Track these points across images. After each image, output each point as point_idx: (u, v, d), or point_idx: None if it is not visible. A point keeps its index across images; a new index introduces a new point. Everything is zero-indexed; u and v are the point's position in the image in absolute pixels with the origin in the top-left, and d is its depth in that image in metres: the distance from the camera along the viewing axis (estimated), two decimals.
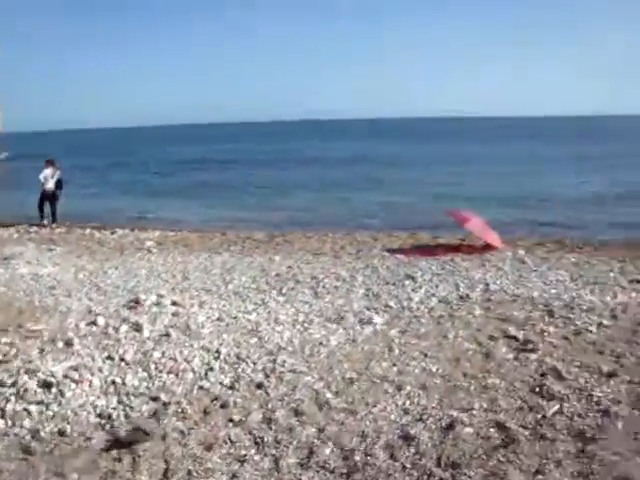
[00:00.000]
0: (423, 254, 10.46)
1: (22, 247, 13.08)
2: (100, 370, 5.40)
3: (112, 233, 15.24)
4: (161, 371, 5.40)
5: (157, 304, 7.63)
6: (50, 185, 16.52)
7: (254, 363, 5.47)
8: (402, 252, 10.75)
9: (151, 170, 38.84)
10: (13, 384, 5.13)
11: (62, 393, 4.96)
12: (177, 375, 5.31)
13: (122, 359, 5.67)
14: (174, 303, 7.64)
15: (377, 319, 6.52)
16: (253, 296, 7.89)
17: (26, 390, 5.01)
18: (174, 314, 7.15)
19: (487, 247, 10.81)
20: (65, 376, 5.30)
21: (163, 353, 5.81)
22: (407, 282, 8.17)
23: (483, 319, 6.41)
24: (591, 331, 6.01)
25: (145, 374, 5.33)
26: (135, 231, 15.52)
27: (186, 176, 33.07)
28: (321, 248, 11.55)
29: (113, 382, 5.16)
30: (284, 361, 5.46)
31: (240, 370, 5.35)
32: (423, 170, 31.64)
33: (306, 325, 6.49)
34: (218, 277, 9.16)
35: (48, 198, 16.64)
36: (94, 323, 6.85)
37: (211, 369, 5.39)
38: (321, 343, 5.88)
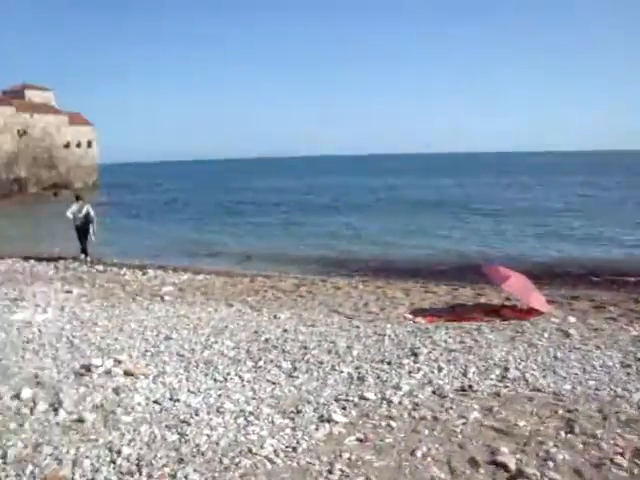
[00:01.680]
0: (452, 317, 8.97)
1: (45, 287, 12.75)
2: None
3: (143, 274, 14.78)
4: (34, 477, 4.36)
5: (107, 372, 6.67)
6: (78, 221, 16.60)
7: (149, 476, 4.31)
8: (427, 314, 9.29)
9: (224, 204, 39.34)
10: None
11: None
12: None
13: (2, 457, 4.67)
14: (126, 373, 6.65)
15: (339, 417, 5.17)
16: (221, 369, 6.75)
17: None
18: (114, 389, 6.13)
19: (533, 310, 9.14)
20: None
21: (55, 449, 4.76)
22: (407, 361, 6.73)
23: (475, 428, 4.89)
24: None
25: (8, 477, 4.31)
26: (169, 272, 15.01)
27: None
28: (342, 304, 10.31)
29: None
30: (186, 476, 4.27)
31: None
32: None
33: (251, 419, 5.25)
34: (203, 338, 8.14)
35: (80, 233, 16.71)
36: (17, 397, 5.95)
37: None
38: (250, 450, 4.63)
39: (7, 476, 4.41)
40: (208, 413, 5.41)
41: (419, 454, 4.48)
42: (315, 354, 7.15)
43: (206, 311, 10.03)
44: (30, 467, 4.50)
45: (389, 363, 6.69)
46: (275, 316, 9.38)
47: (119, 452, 4.67)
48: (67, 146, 64.41)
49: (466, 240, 20.93)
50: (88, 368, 6.80)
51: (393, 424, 5.00)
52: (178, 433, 4.99)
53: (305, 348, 7.43)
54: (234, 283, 12.94)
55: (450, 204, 36.23)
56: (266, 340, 7.89)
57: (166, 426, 5.14)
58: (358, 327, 8.48)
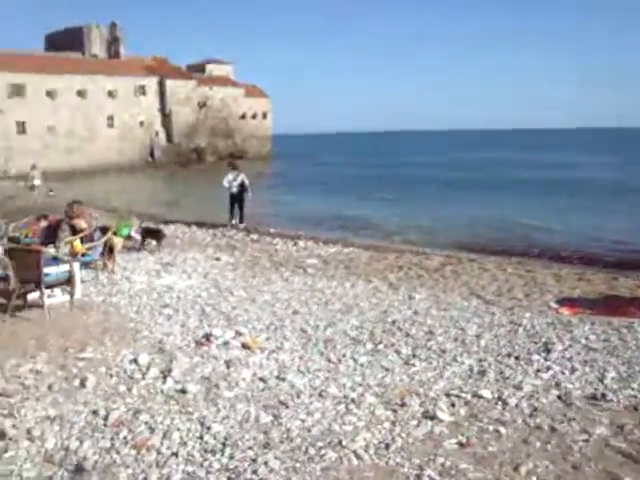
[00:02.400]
0: (602, 311, 7.94)
1: (198, 253, 13.34)
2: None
3: (294, 244, 14.96)
4: (125, 443, 4.44)
5: (225, 344, 6.73)
6: (234, 189, 17.34)
7: (231, 457, 4.19)
8: (574, 305, 8.32)
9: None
10: None
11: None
12: (138, 452, 4.30)
13: (104, 418, 4.83)
14: (243, 345, 6.67)
15: (444, 415, 4.71)
16: (339, 349, 6.53)
17: None
18: (226, 362, 6.15)
19: None
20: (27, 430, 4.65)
21: (151, 417, 4.83)
22: (536, 357, 6.02)
23: (598, 448, 4.16)
24: None
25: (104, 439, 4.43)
26: (319, 244, 15.05)
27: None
28: (485, 287, 9.63)
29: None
30: (265, 463, 4.09)
31: (208, 463, 4.13)
32: None
33: (351, 407, 4.96)
34: (330, 314, 7.98)
35: (235, 201, 17.46)
36: (135, 361, 6.18)
37: (175, 455, 4.25)
38: (340, 442, 4.35)
39: (103, 437, 4.53)
40: (310, 396, 5.21)
41: (523, 471, 3.92)
42: (439, 341, 6.68)
43: (343, 286, 9.86)
44: (124, 432, 4.60)
45: (517, 358, 6.04)
46: (410, 296, 8.97)
47: (209, 428, 4.62)
48: (243, 117, 67.62)
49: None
50: (208, 338, 6.91)
51: (502, 430, 4.45)
52: (273, 415, 4.85)
53: (431, 333, 6.97)
54: (379, 258, 12.65)
55: (611, 187, 32.42)
56: (393, 322, 7.54)
57: (263, 406, 5.03)
58: (494, 314, 7.81)
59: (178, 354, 6.43)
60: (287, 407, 4.99)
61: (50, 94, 55.49)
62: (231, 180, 17.71)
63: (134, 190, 39.05)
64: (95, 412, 4.95)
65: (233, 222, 17.85)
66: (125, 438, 4.51)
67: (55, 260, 8.78)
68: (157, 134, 62.74)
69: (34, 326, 7.68)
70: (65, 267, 8.50)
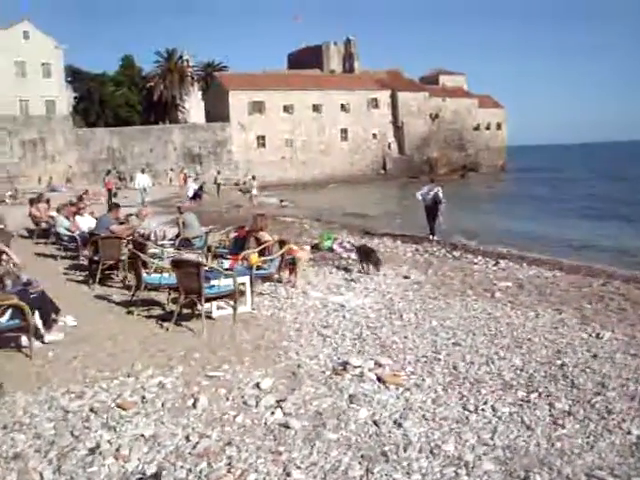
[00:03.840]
0: None
1: (391, 269, 12.97)
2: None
3: (495, 264, 13.93)
4: (199, 478, 4.19)
5: (360, 375, 6.24)
6: (427, 202, 17.45)
7: None
8: None
9: None
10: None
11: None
12: None
13: (193, 447, 4.64)
14: (379, 379, 6.12)
15: None
16: (483, 394, 5.68)
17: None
18: (351, 396, 5.66)
19: None
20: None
21: (238, 452, 4.52)
22: None
23: None
24: None
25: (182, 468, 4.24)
26: (523, 265, 13.83)
27: None
28: None
29: None
30: None
31: None
32: None
33: (461, 472, 4.19)
34: (494, 350, 7.07)
35: (429, 213, 17.53)
36: (257, 386, 5.97)
37: None
38: None
39: (182, 467, 4.35)
40: (419, 451, 4.53)
41: None
42: (609, 397, 5.47)
43: (525, 315, 8.79)
44: (203, 464, 4.36)
45: None
46: (598, 334, 7.62)
47: (289, 474, 4.20)
48: (476, 128, 66.23)
49: None
50: (345, 367, 6.48)
51: None
52: (366, 469, 4.26)
53: (602, 386, 5.76)
54: (582, 285, 11.15)
55: None
56: (561, 365, 6.41)
57: (362, 456, 4.46)
58: None
59: (307, 381, 6.10)
60: (387, 461, 4.36)
61: (287, 109, 59.33)
62: (425, 193, 17.93)
63: (358, 201, 40.09)
64: (188, 437, 4.80)
65: (431, 237, 17.68)
66: (201, 472, 4.27)
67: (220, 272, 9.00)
68: (389, 146, 63.98)
69: (191, 337, 7.89)
70: (228, 281, 8.64)
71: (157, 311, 9.31)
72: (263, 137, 59.40)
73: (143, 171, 35.75)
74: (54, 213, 16.02)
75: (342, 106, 61.66)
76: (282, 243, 10.87)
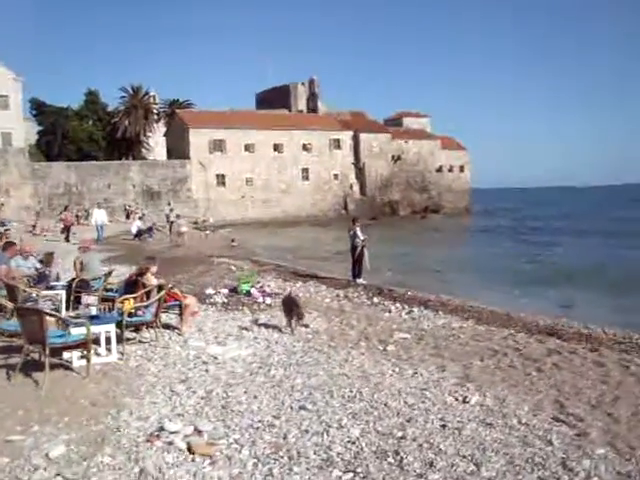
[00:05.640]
0: None
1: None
2: None
3: (408, 312, 13.42)
4: None
5: (170, 443, 5.59)
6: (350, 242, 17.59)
7: None
8: None
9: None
10: None
11: None
12: None
13: None
14: (189, 449, 5.49)
15: None
16: (298, 472, 5.07)
17: None
18: (141, 470, 5.02)
19: None
20: None
21: None
22: None
23: None
24: None
25: None
26: (439, 313, 13.36)
27: None
28: (583, 395, 7.31)
29: None
30: None
31: None
32: None
33: None
34: (335, 420, 6.44)
35: (352, 255, 17.45)
36: (47, 455, 5.29)
37: None
38: None
39: None
40: None
41: None
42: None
43: (401, 374, 8.23)
44: None
45: None
46: (465, 399, 7.05)
47: None
48: (439, 170, 66.63)
49: None
50: (159, 432, 5.83)
51: None
52: None
53: (430, 466, 5.16)
54: (485, 337, 10.68)
55: None
56: (400, 438, 5.81)
57: None
58: (579, 451, 5.58)
59: (107, 449, 5.46)
60: None
61: (248, 148, 59.19)
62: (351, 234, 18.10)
63: (312, 242, 39.62)
64: None
65: (356, 281, 17.32)
66: None
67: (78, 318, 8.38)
68: (351, 187, 63.95)
69: (30, 391, 7.29)
70: (81, 329, 7.99)
71: (15, 359, 8.59)
72: (223, 175, 58.99)
73: (99, 206, 35.21)
74: None
75: (304, 146, 61.68)
76: (160, 288, 10.23)
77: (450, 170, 67.47)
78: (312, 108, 67.77)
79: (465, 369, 8.55)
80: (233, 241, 37.27)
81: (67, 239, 31.25)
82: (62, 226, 33.63)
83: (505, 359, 9.13)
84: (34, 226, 38.77)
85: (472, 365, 8.79)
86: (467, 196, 69.71)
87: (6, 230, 19.60)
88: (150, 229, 35.30)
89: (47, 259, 16.78)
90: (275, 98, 72.80)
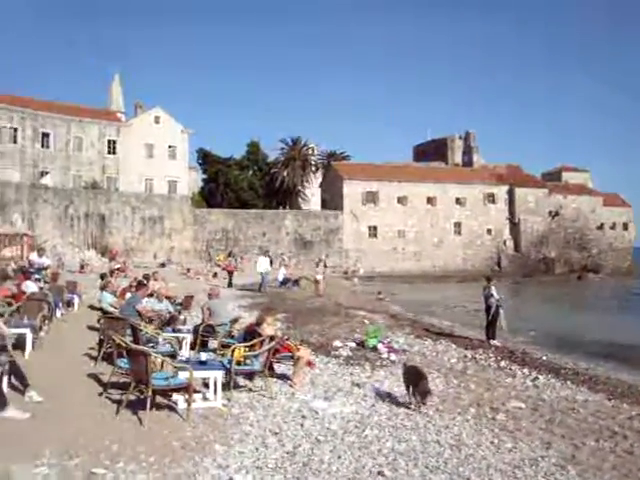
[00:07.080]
0: None
1: None
2: None
3: (534, 379, 12.69)
4: None
5: None
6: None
7: None
8: None
9: None
10: None
11: None
12: None
13: None
14: None
15: None
16: None
17: None
18: None
19: None
20: None
21: None
22: None
23: None
24: None
25: None
26: (566, 382, 12.48)
27: None
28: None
29: None
30: None
31: None
32: None
33: None
34: (327, 458, 6.24)
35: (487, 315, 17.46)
36: None
37: None
38: None
39: None
40: None
41: None
42: None
43: (498, 447, 7.79)
44: None
45: None
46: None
47: None
48: (600, 227, 62.86)
49: None
50: None
51: None
52: None
53: None
54: (609, 414, 9.78)
55: None
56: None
57: None
58: None
59: None
60: None
61: (400, 200, 59.55)
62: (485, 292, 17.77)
63: (454, 298, 38.64)
64: None
65: (491, 342, 16.73)
66: None
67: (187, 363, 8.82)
68: (505, 243, 62.00)
69: (132, 428, 7.74)
70: (184, 374, 8.40)
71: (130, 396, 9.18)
72: (375, 227, 59.71)
73: (265, 254, 34.36)
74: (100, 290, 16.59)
75: (457, 199, 61.03)
76: (272, 339, 10.49)
77: (612, 227, 63.56)
78: (468, 161, 67.23)
79: (574, 449, 7.91)
80: (379, 293, 37.31)
81: (230, 284, 32.44)
82: (226, 271, 35.07)
83: (624, 443, 8.33)
84: (188, 270, 41.28)
85: (583, 445, 8.11)
86: (630, 255, 65.13)
87: (154, 272, 20.99)
88: (297, 280, 36.12)
89: (186, 302, 17.92)
90: (432, 151, 73.08)
